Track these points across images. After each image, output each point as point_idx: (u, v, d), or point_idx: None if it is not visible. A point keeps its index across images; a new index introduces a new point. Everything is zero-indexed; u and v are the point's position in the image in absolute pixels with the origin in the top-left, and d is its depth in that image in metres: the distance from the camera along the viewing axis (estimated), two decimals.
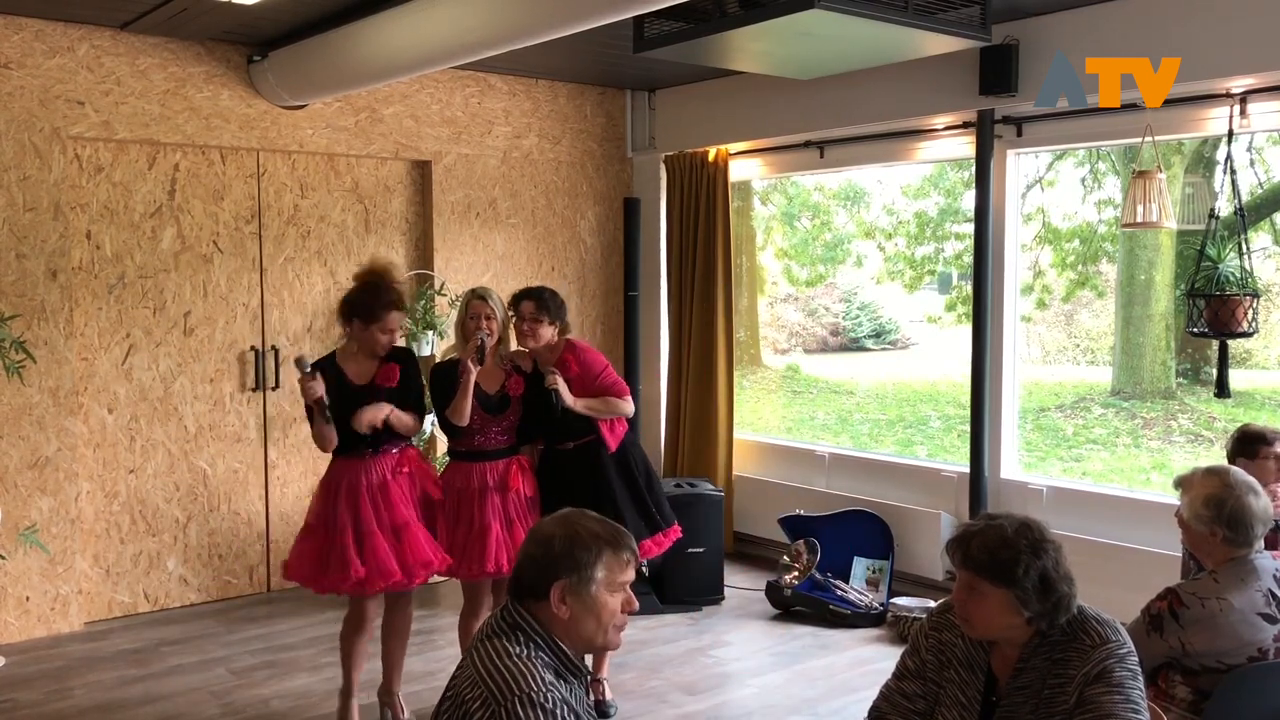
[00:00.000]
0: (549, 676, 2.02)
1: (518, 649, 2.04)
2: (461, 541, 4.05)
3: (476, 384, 4.06)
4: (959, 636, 2.38)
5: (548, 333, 4.13)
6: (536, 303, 4.12)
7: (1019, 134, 5.23)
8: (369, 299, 3.91)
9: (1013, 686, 2.29)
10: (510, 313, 4.17)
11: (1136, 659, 2.25)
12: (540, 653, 2.06)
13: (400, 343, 4.11)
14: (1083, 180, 10.16)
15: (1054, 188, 10.19)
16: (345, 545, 3.84)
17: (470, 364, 4.01)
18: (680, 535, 4.40)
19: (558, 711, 1.95)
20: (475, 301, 4.12)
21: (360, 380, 3.95)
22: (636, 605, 2.16)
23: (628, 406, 4.23)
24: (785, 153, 6.36)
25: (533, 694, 1.95)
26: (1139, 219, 4.60)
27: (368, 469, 3.93)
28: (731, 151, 6.45)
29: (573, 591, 2.07)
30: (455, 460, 4.17)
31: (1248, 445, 3.67)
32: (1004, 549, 2.23)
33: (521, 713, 1.93)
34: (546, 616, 2.09)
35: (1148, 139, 4.62)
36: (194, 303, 5.53)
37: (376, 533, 3.86)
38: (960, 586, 2.29)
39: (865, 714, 2.50)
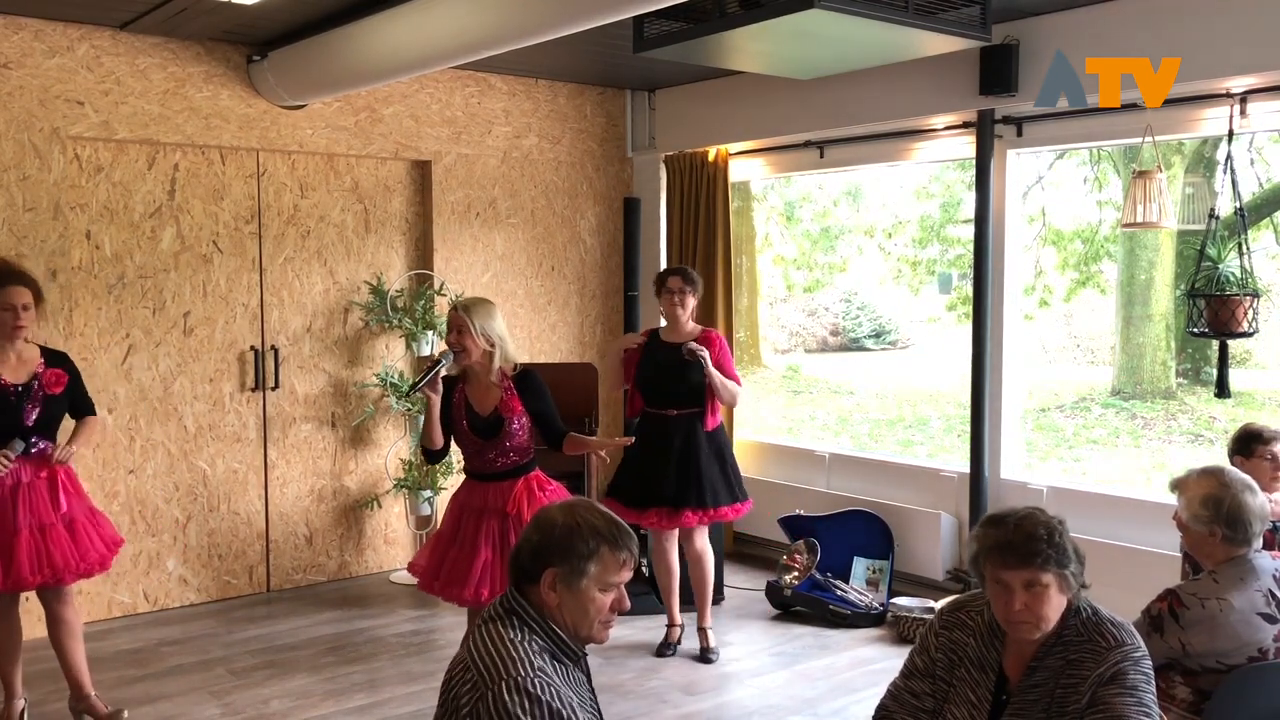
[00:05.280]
0: (540, 661, 2.01)
1: (512, 633, 2.04)
2: (453, 559, 3.86)
3: (468, 404, 3.87)
4: (970, 636, 2.38)
5: (692, 301, 4.86)
6: (683, 277, 4.86)
7: (1019, 134, 5.23)
8: None
9: (1024, 685, 2.29)
10: (658, 290, 4.88)
11: (1150, 663, 2.26)
12: (535, 637, 2.06)
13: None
14: (1085, 180, 10.17)
15: (1059, 189, 10.21)
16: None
17: (424, 388, 3.79)
18: (751, 507, 4.98)
19: (543, 697, 1.94)
20: (450, 312, 3.88)
21: (15, 380, 3.78)
22: (628, 605, 2.14)
23: (740, 397, 4.89)
24: (785, 153, 6.36)
25: (519, 679, 1.94)
26: (1139, 219, 4.60)
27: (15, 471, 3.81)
28: (731, 151, 6.44)
29: (563, 581, 2.07)
30: (465, 475, 4.02)
31: (1244, 444, 3.67)
32: (1049, 531, 2.24)
33: (507, 697, 1.92)
34: (539, 601, 2.09)
35: (1148, 139, 4.62)
36: (194, 303, 5.53)
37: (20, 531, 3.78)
38: (1018, 590, 2.23)
39: (866, 714, 2.50)
